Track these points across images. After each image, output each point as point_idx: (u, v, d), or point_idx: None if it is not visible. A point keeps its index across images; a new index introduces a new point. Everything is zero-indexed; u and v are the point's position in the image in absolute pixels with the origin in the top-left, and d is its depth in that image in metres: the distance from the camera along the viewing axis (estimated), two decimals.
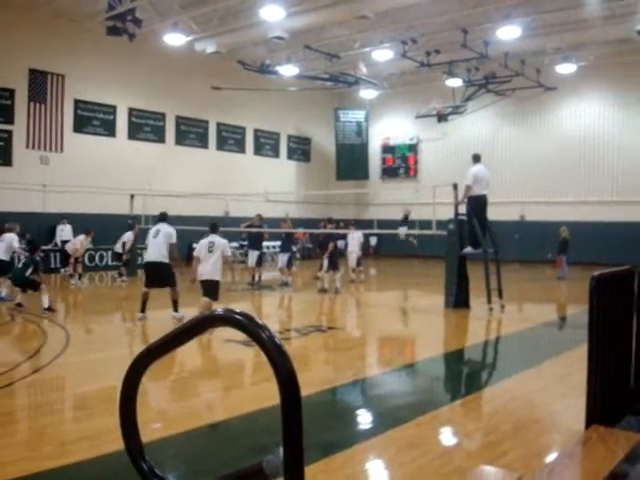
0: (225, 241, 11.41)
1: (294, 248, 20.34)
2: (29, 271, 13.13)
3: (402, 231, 23.11)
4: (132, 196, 20.18)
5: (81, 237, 18.83)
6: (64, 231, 21.20)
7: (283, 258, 18.53)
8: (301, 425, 1.13)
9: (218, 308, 1.28)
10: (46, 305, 12.62)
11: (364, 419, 6.32)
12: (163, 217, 12.28)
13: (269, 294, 16.98)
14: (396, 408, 6.50)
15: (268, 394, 6.72)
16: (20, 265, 13.56)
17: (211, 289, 10.87)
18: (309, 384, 6.76)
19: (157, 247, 11.61)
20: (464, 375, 8.72)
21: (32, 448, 5.27)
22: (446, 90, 27.01)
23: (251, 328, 1.17)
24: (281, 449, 1.17)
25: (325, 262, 17.19)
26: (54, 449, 5.20)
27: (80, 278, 18.73)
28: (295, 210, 28.88)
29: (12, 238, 14.74)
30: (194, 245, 24.74)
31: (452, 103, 27.02)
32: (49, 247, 21.35)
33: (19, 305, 13.00)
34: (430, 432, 5.76)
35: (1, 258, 14.50)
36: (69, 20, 22.60)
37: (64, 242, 20.42)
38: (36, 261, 13.57)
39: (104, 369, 8.06)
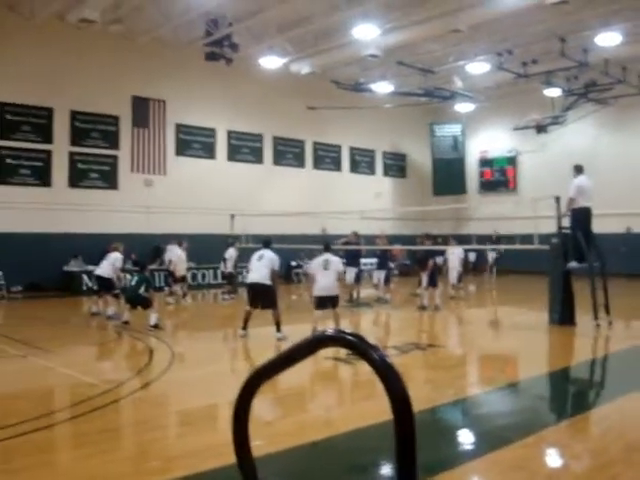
0: (338, 259, 12.18)
1: (391, 265, 20.21)
2: (142, 289, 13.50)
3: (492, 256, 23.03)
4: (232, 216, 20.63)
5: (174, 248, 19.43)
6: (172, 251, 21.88)
7: (379, 275, 18.48)
8: (415, 445, 1.13)
9: (328, 328, 1.30)
10: (153, 322, 12.97)
11: (467, 439, 6.20)
12: (267, 243, 12.60)
13: (367, 311, 16.95)
14: (500, 428, 6.34)
15: (367, 413, 6.72)
16: (133, 283, 13.79)
17: (334, 302, 11.64)
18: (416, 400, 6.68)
19: (260, 270, 11.91)
20: (571, 395, 8.43)
21: (137, 463, 5.40)
22: (545, 100, 26.35)
23: (362, 348, 1.17)
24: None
25: (424, 278, 16.99)
26: (159, 464, 5.33)
27: (184, 296, 19.26)
28: (391, 227, 28.78)
29: (116, 257, 15.16)
30: (292, 263, 25.36)
31: (551, 113, 26.33)
32: (154, 266, 22.07)
33: (126, 323, 13.45)
34: (536, 453, 5.58)
35: (103, 275, 15.01)
36: (168, 47, 23.47)
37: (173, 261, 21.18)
38: (147, 279, 14.03)
39: (208, 386, 8.25)
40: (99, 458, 5.38)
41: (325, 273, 11.53)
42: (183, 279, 19.78)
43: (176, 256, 19.65)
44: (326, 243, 12.60)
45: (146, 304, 13.44)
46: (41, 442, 5.88)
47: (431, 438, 6.03)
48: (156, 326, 12.98)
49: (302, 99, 26.88)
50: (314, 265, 11.91)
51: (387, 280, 18.42)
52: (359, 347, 1.20)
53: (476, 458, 5.41)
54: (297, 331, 11.56)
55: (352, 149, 31.06)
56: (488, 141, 32.78)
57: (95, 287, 15.76)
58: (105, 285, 15.09)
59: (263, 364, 1.51)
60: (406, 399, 1.14)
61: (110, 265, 15.03)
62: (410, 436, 1.13)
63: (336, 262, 11.85)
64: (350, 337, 1.23)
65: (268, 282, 11.87)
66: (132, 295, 13.53)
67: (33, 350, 10.64)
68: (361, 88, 25.95)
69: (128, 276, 14.86)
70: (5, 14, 19.97)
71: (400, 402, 1.14)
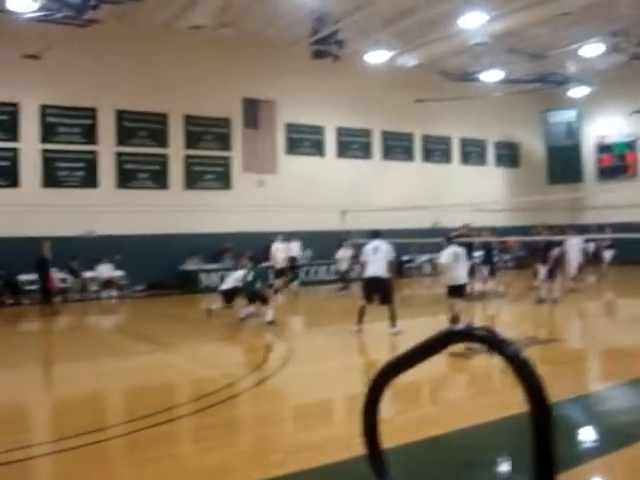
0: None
1: (495, 259, 19.58)
2: (258, 284, 13.79)
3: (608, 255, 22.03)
4: (343, 212, 20.72)
5: (277, 244, 19.72)
6: (292, 249, 22.38)
7: (484, 269, 18.03)
8: (552, 442, 1.10)
9: (459, 324, 1.28)
10: (269, 319, 13.19)
11: (593, 436, 5.97)
12: (377, 234, 12.61)
13: (483, 305, 16.61)
14: (625, 425, 6.06)
15: (486, 409, 6.59)
16: (250, 278, 13.93)
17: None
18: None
19: (378, 263, 11.94)
20: None
21: (259, 456, 5.49)
22: None
23: (496, 343, 1.15)
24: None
25: (542, 270, 16.46)
26: (280, 457, 5.39)
27: (276, 292, 19.11)
28: (505, 218, 28.11)
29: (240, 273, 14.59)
30: (404, 258, 25.22)
31: None
32: (268, 264, 22.55)
33: (242, 320, 13.76)
34: None
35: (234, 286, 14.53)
36: (276, 48, 23.81)
37: (292, 258, 21.58)
38: (262, 273, 14.31)
39: (325, 380, 8.33)
40: (222, 451, 5.52)
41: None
42: (282, 273, 19.83)
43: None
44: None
45: (264, 299, 13.68)
46: (166, 435, 6.10)
47: (556, 434, 5.83)
48: (272, 322, 13.16)
49: (409, 92, 26.64)
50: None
51: (492, 273, 17.91)
52: (492, 342, 1.17)
53: (602, 455, 5.20)
54: (412, 326, 11.51)
55: (462, 140, 30.53)
56: (605, 126, 31.39)
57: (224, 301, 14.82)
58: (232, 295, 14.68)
59: (392, 360, 1.50)
60: (543, 393, 1.11)
61: (234, 281, 14.59)
62: (547, 430, 1.10)
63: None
64: (481, 332, 1.20)
65: (386, 275, 11.89)
66: (250, 291, 13.75)
67: (157, 346, 11.08)
68: (470, 78, 25.49)
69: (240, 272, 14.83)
70: (114, 25, 20.78)
71: (537, 396, 1.10)
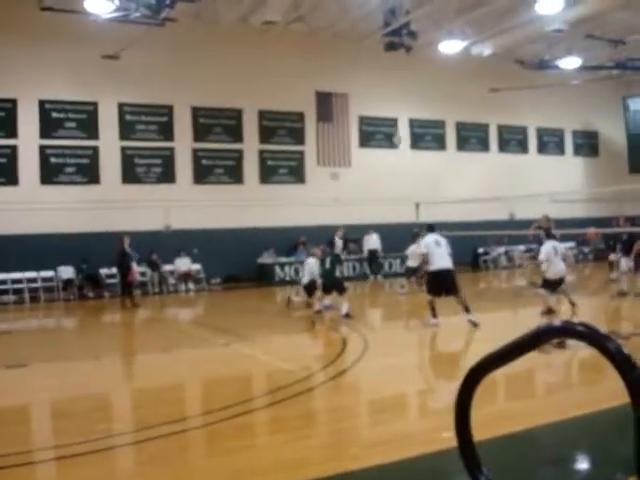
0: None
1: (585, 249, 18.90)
2: (337, 271, 13.82)
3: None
4: (417, 204, 20.56)
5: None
6: (371, 240, 22.44)
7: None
8: None
9: (556, 320, 1.26)
10: (345, 312, 13.11)
11: None
12: (432, 228, 12.72)
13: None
14: None
15: (565, 405, 6.43)
16: (328, 265, 13.75)
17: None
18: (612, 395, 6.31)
19: (445, 255, 11.94)
20: None
21: (336, 449, 5.50)
22: None
23: (596, 339, 1.12)
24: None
25: (625, 263, 15.94)
26: (358, 451, 5.38)
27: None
28: (583, 209, 27.39)
29: (312, 264, 14.68)
30: (479, 250, 24.88)
31: None
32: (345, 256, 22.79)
33: (318, 312, 13.85)
34: None
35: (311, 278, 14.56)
36: (348, 41, 23.80)
37: (372, 251, 21.62)
38: (338, 258, 14.27)
39: (400, 374, 8.30)
40: (298, 443, 5.54)
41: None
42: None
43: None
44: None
45: (342, 288, 13.59)
46: (243, 426, 6.16)
47: None
48: (347, 315, 13.07)
49: (484, 82, 26.17)
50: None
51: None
52: (592, 338, 1.15)
53: None
54: (489, 320, 11.37)
55: (539, 130, 29.83)
56: None
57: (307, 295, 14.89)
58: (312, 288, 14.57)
59: (487, 355, 1.48)
60: None
61: (310, 274, 14.64)
62: None
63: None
64: (581, 328, 1.18)
65: (452, 267, 11.99)
66: (330, 278, 13.67)
67: (234, 338, 11.26)
68: (546, 65, 24.87)
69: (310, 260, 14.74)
70: (192, 22, 21.18)
71: None
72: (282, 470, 4.89)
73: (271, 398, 7.09)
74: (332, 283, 13.66)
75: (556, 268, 12.22)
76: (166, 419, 6.12)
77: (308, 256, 15.69)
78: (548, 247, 12.32)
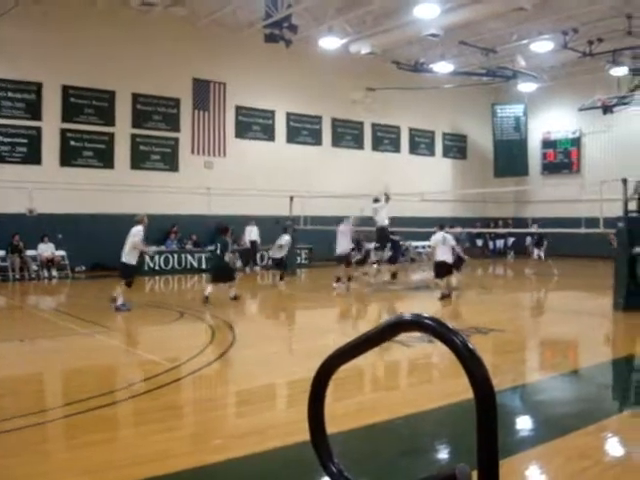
0: (451, 236, 15.20)
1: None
2: (226, 257, 14.26)
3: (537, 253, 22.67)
4: (291, 198, 20.71)
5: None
6: (252, 232, 22.35)
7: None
8: (496, 431, 1.10)
9: (406, 313, 1.28)
10: (233, 295, 14.03)
11: (528, 426, 6.10)
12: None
13: (404, 294, 16.81)
14: (562, 416, 6.21)
15: (425, 397, 6.69)
16: (218, 251, 14.12)
17: (450, 269, 15.09)
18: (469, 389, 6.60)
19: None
20: (634, 384, 8.21)
21: (200, 441, 5.45)
22: (611, 80, 25.67)
23: (443, 333, 1.15)
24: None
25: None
26: (220, 443, 5.39)
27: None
28: (451, 209, 28.48)
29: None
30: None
31: (617, 94, 25.60)
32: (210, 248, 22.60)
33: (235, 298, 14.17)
34: (600, 442, 5.45)
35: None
36: (228, 30, 23.60)
37: (252, 242, 21.57)
38: (227, 242, 14.42)
39: (267, 365, 8.33)
40: (162, 435, 5.46)
41: (442, 248, 14.81)
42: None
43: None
44: (441, 224, 15.49)
45: (230, 277, 14.10)
46: (105, 418, 6.01)
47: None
48: (236, 298, 13.98)
49: (361, 80, 26.71)
50: (434, 239, 15.14)
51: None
52: (439, 331, 1.17)
53: (538, 445, 5.31)
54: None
55: (411, 130, 30.78)
56: (551, 122, 32.04)
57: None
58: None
59: (340, 347, 1.49)
60: (488, 383, 1.12)
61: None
62: (492, 419, 1.11)
63: (450, 238, 15.05)
64: (430, 321, 1.20)
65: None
66: (217, 265, 14.24)
67: (98, 328, 10.90)
68: (421, 68, 25.66)
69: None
70: None
71: (482, 385, 1.11)
72: (144, 463, 4.80)
73: (135, 389, 6.94)
74: (218, 271, 14.22)
75: (440, 255, 14.83)
76: (23, 411, 5.88)
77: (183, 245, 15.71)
78: (438, 237, 14.89)
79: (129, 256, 13.47)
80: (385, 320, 1.39)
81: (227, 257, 14.32)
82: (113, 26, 21.39)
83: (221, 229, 14.85)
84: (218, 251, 14.09)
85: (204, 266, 21.77)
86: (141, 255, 14.91)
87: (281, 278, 18.44)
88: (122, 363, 8.79)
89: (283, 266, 18.90)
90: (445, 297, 14.82)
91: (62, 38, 20.66)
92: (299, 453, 4.63)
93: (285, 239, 18.73)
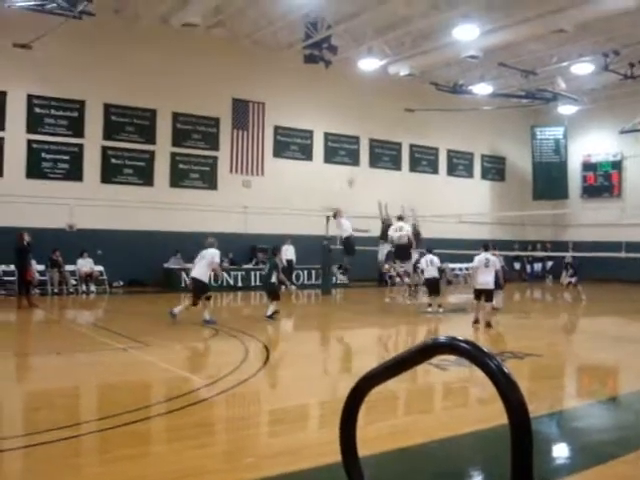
0: (496, 258, 14.50)
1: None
2: (273, 277, 14.67)
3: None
4: (328, 217, 20.73)
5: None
6: (289, 250, 22.40)
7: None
8: (531, 456, 1.08)
9: (441, 336, 1.26)
10: (269, 313, 14.51)
11: (565, 453, 5.97)
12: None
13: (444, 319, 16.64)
14: (600, 443, 6.07)
15: (459, 421, 6.60)
16: (266, 271, 15.04)
17: (489, 295, 14.00)
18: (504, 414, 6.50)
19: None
20: None
21: (232, 459, 5.44)
22: None
23: (478, 357, 1.13)
24: None
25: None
26: (253, 461, 5.35)
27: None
28: (488, 231, 28.24)
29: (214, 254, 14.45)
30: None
31: None
32: (250, 266, 22.74)
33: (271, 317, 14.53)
34: (638, 471, 5.32)
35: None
36: (268, 50, 23.85)
37: (289, 261, 21.65)
38: (277, 264, 14.94)
39: (301, 385, 8.30)
40: (194, 452, 5.45)
41: (485, 270, 13.91)
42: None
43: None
44: (485, 244, 14.69)
45: (275, 294, 14.63)
46: (139, 434, 6.03)
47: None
48: (272, 316, 14.43)
49: (400, 101, 26.73)
50: (477, 262, 14.14)
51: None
52: (475, 355, 1.16)
53: (574, 473, 5.20)
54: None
55: (449, 152, 30.65)
56: (592, 145, 31.66)
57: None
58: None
59: (374, 369, 1.48)
60: (524, 407, 1.10)
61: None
62: (527, 444, 1.09)
63: (494, 260, 14.20)
64: (465, 345, 1.18)
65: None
66: (266, 283, 15.02)
67: (134, 343, 10.99)
68: (460, 90, 25.61)
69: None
70: (111, 17, 20.79)
71: (517, 410, 1.09)
72: (178, 478, 4.80)
73: (169, 406, 6.96)
74: (266, 288, 15.07)
75: (482, 278, 13.94)
76: (57, 424, 5.92)
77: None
78: (480, 258, 14.06)
79: (204, 275, 13.99)
80: (419, 342, 1.38)
81: (274, 277, 14.74)
82: (154, 45, 21.76)
83: (273, 250, 15.68)
84: (267, 270, 15.06)
85: (240, 284, 21.89)
86: None
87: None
88: (156, 379, 8.83)
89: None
90: (477, 323, 14.17)
91: (105, 56, 21.07)
92: (331, 474, 4.59)
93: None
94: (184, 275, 21.33)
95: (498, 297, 15.42)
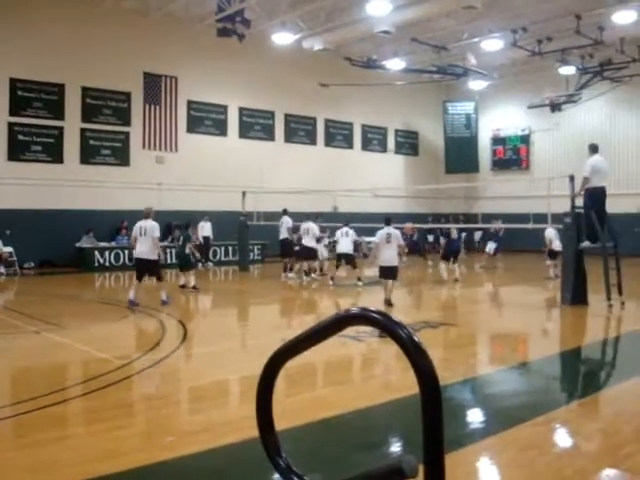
0: (399, 232, 13.61)
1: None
2: (187, 248, 15.32)
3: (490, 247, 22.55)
4: (244, 193, 20.62)
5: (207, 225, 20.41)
6: (205, 227, 22.14)
7: None
8: (441, 422, 1.12)
9: (353, 307, 1.29)
10: (192, 284, 15.35)
11: (478, 418, 6.19)
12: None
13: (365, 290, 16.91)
14: (511, 408, 6.33)
15: (376, 392, 6.75)
16: (180, 243, 15.50)
17: (393, 273, 13.12)
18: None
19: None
20: (582, 375, 8.40)
21: (151, 439, 5.42)
22: (559, 79, 26.17)
23: (389, 326, 1.16)
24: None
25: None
26: (171, 440, 5.34)
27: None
28: (403, 205, 28.74)
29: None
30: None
31: (565, 92, 26.14)
32: (165, 243, 22.34)
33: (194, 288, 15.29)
34: (548, 433, 5.57)
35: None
36: (180, 23, 23.36)
37: (205, 237, 21.45)
38: (189, 235, 15.61)
39: (219, 362, 8.30)
40: (113, 434, 5.40)
41: (387, 245, 13.04)
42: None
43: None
44: (387, 218, 13.56)
45: (188, 266, 15.34)
46: (55, 417, 5.93)
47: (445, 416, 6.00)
48: (195, 287, 15.19)
49: (314, 76, 26.74)
50: (378, 237, 13.24)
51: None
52: (386, 325, 1.19)
53: (488, 437, 5.40)
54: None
55: (364, 126, 30.91)
56: (501, 119, 32.56)
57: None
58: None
59: (287, 342, 1.50)
60: (433, 376, 1.14)
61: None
62: (437, 411, 1.13)
63: (397, 235, 13.32)
64: (376, 315, 1.21)
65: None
66: (181, 255, 15.72)
67: (46, 326, 10.71)
68: (374, 65, 25.78)
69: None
70: None
71: (427, 378, 1.13)
72: (96, 461, 4.75)
73: (85, 387, 6.85)
74: (181, 260, 15.70)
75: (383, 255, 13.16)
76: None
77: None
78: (382, 233, 13.20)
79: (152, 252, 13.03)
80: (333, 314, 1.41)
81: (188, 249, 15.32)
82: (62, 18, 20.99)
83: (186, 224, 16.24)
84: (180, 242, 15.57)
85: None
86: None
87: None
88: (71, 361, 8.65)
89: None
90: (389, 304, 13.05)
91: (8, 29, 20.17)
92: (250, 449, 4.62)
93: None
94: (97, 254, 20.92)
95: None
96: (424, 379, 1.14)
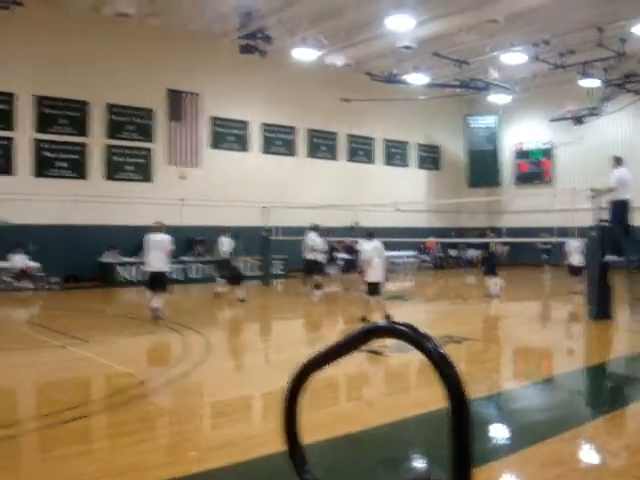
0: (382, 246, 12.91)
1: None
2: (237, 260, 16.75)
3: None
4: (265, 208, 20.71)
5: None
6: (224, 244, 22.15)
7: None
8: (470, 436, 1.12)
9: (380, 320, 1.29)
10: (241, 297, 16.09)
11: (503, 434, 6.14)
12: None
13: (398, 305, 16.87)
14: (536, 423, 6.26)
15: (399, 407, 6.71)
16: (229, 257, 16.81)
17: (377, 289, 12.61)
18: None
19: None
20: (607, 390, 8.30)
21: (174, 453, 5.43)
22: (581, 91, 26.01)
23: (416, 338, 1.17)
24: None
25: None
26: (196, 455, 5.34)
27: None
28: (425, 219, 28.68)
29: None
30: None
31: (588, 105, 25.99)
32: (191, 259, 22.56)
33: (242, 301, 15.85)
34: (573, 449, 5.51)
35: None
36: (203, 40, 23.55)
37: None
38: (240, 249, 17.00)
39: (243, 377, 8.31)
40: (135, 448, 5.41)
41: (377, 261, 12.52)
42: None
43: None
44: (370, 232, 13.08)
45: (238, 279, 16.57)
46: (79, 431, 5.95)
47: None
48: (242, 300, 15.77)
49: (336, 91, 26.83)
50: (367, 252, 12.66)
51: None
52: (412, 337, 1.19)
53: (513, 453, 5.35)
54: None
55: (386, 141, 30.92)
56: (524, 133, 32.42)
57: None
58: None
59: (313, 355, 1.50)
60: (461, 388, 1.14)
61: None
62: (465, 425, 1.13)
63: (382, 248, 12.79)
64: (403, 327, 1.22)
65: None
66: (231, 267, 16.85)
67: (72, 340, 10.79)
68: (395, 80, 25.81)
69: None
70: (40, 7, 20.20)
71: (455, 391, 1.13)
72: (120, 475, 4.77)
73: (110, 402, 6.89)
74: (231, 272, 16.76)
75: (373, 271, 12.61)
76: None
77: None
78: (368, 249, 12.72)
79: (164, 264, 13.40)
80: (359, 327, 1.41)
81: (236, 261, 16.70)
82: (86, 36, 21.26)
83: (235, 234, 17.51)
84: (229, 256, 16.98)
85: (178, 277, 21.66)
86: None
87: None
88: (95, 375, 8.70)
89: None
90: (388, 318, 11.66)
91: (35, 48, 20.48)
92: (276, 463, 4.62)
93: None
94: (120, 270, 21.07)
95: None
96: (452, 390, 1.14)
